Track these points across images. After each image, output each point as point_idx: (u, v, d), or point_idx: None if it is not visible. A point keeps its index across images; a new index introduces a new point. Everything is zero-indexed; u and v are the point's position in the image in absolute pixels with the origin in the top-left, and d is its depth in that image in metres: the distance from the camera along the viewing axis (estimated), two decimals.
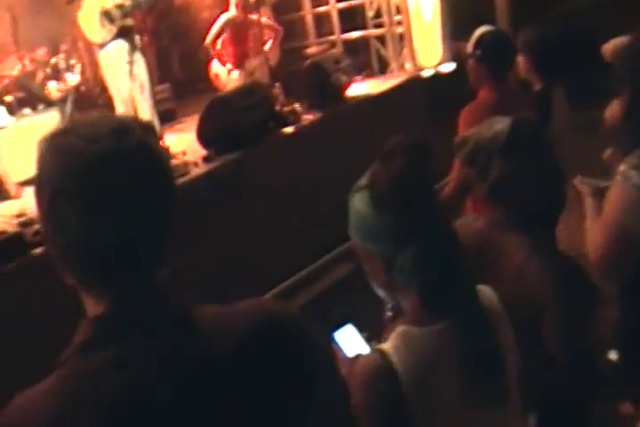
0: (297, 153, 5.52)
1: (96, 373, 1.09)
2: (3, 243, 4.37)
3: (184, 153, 5.76)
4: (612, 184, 2.08)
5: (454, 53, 6.97)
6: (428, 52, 7.38)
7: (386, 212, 1.54)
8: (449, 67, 7.10)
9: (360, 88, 6.84)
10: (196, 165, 5.32)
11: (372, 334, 1.90)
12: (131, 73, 6.45)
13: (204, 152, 5.52)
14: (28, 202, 5.88)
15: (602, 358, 2.29)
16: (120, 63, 6.41)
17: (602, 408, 2.22)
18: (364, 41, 8.63)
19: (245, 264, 4.78)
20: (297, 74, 6.63)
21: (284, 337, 1.18)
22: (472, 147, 2.06)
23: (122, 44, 6.42)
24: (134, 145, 1.13)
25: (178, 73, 9.71)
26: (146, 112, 6.25)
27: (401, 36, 7.85)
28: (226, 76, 7.57)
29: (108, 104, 8.12)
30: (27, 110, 7.46)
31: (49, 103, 7.62)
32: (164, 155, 1.23)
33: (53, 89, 7.92)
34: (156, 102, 6.66)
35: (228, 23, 7.72)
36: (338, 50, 7.96)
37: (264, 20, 7.60)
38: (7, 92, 7.75)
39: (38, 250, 4.35)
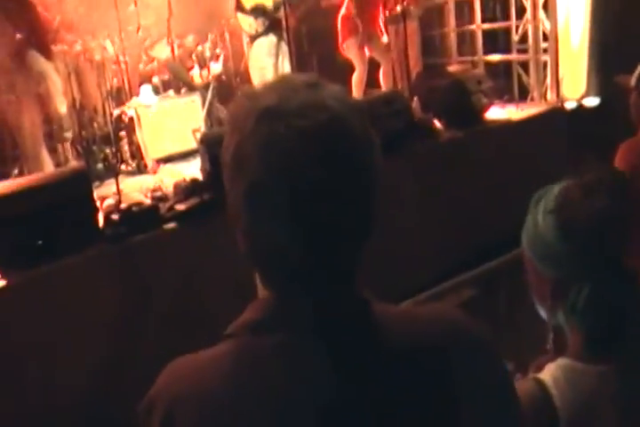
0: (431, 168, 5.55)
1: (265, 356, 1.05)
2: (139, 214, 4.54)
3: None
4: None
5: (614, 86, 6.84)
6: (573, 82, 7.28)
7: (573, 242, 1.54)
8: (593, 101, 6.97)
9: (499, 112, 6.79)
10: None
11: None
12: (275, 67, 6.61)
13: None
14: (163, 178, 6.14)
15: None
16: (267, 56, 6.58)
17: None
18: (506, 65, 8.57)
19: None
20: (437, 90, 6.61)
21: (469, 346, 1.14)
22: None
23: (271, 38, 6.59)
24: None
25: None
26: None
27: (545, 64, 7.76)
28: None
29: None
30: (170, 92, 7.75)
31: (192, 88, 7.89)
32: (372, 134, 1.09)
33: (197, 75, 8.18)
34: None
35: None
36: (480, 71, 7.91)
37: None
38: (154, 74, 8.05)
39: (171, 225, 4.51)
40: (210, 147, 4.95)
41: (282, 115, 1.01)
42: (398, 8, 8.11)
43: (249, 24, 6.59)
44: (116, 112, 7.33)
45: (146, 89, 7.62)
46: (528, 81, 8.10)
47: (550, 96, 7.40)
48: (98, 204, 4.68)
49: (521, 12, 8.29)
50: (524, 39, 8.31)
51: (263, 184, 1.01)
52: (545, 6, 7.80)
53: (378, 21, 8.14)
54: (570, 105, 7.03)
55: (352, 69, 7.98)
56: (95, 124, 7.45)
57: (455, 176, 5.67)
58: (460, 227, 5.57)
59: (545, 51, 7.79)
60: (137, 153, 7.12)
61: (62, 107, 6.49)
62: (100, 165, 6.81)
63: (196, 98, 7.65)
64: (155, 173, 6.79)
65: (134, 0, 7.88)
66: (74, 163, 6.77)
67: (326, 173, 1.00)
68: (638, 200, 1.66)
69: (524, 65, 8.23)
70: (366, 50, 8.03)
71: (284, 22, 6.36)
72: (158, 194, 5.17)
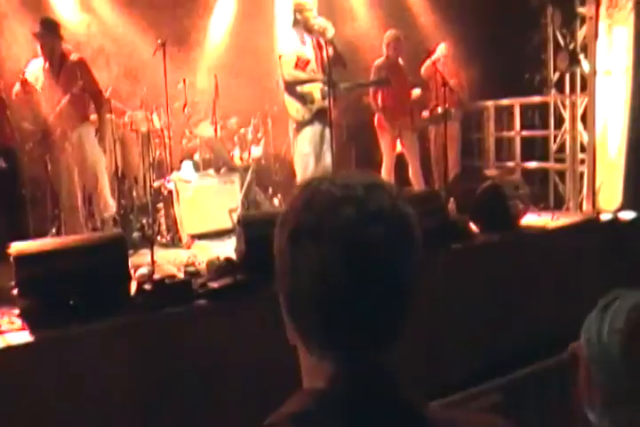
0: (463, 269, 5.53)
1: None
2: (172, 286, 4.54)
3: None
4: None
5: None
6: (609, 194, 7.32)
7: (637, 367, 1.52)
8: (629, 215, 6.98)
9: (534, 219, 6.82)
10: None
11: None
12: (318, 155, 6.71)
13: None
14: (196, 254, 6.17)
15: None
16: (311, 144, 6.70)
17: None
18: (542, 173, 8.67)
19: None
20: (474, 192, 6.65)
21: None
22: None
23: (317, 126, 6.71)
24: (387, 201, 1.05)
25: (352, 169, 9.98)
26: None
27: (582, 175, 7.83)
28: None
29: (284, 182, 8.50)
30: (210, 170, 7.87)
31: (231, 169, 8.00)
32: (416, 222, 1.10)
33: (237, 157, 8.33)
34: None
35: (381, 67, 8.05)
36: (517, 177, 8.00)
37: None
38: (196, 151, 8.21)
39: (202, 301, 4.50)
40: (247, 229, 4.99)
41: (327, 179, 1.09)
42: (439, 109, 8.31)
43: (296, 109, 6.71)
44: (155, 184, 7.45)
45: (187, 165, 7.75)
46: (564, 190, 8.17)
47: (586, 207, 7.44)
48: (131, 272, 4.68)
49: (559, 122, 8.45)
50: (561, 149, 8.46)
51: (305, 226, 1.05)
52: (583, 118, 7.94)
53: (411, 117, 8.31)
54: (605, 217, 7.04)
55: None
56: (134, 194, 7.57)
57: (487, 279, 5.65)
58: (489, 330, 5.51)
59: (582, 161, 7.88)
60: (172, 226, 7.20)
61: (106, 189, 6.59)
62: (135, 235, 6.86)
63: (235, 179, 7.77)
64: (188, 247, 6.84)
65: (183, 79, 8.15)
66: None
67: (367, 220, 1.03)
68: None
69: (561, 174, 8.34)
70: (398, 145, 8.20)
71: (328, 113, 6.51)
72: (191, 269, 5.19)
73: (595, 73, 7.41)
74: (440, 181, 8.31)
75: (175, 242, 7.07)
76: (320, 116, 6.68)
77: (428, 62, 8.41)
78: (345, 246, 1.01)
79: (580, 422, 1.67)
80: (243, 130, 8.76)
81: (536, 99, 8.81)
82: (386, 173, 8.10)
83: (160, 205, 7.43)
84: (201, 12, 9.81)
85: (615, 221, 6.98)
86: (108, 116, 7.28)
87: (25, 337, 3.83)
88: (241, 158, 8.34)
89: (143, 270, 4.89)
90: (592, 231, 6.75)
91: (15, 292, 3.94)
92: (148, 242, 5.83)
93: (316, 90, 6.70)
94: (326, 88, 6.56)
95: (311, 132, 6.71)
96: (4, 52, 7.19)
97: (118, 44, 8.75)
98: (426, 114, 8.76)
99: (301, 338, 1.09)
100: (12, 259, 3.89)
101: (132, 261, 5.16)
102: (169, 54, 6.47)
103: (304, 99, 6.69)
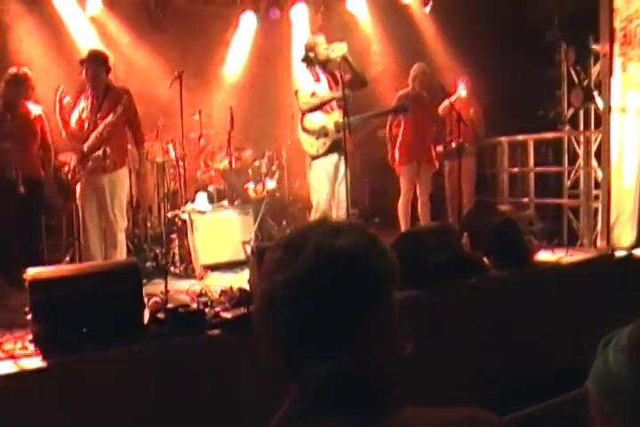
0: (475, 304, 5.49)
1: None
2: (185, 316, 4.52)
3: None
4: None
5: None
6: (623, 231, 7.28)
7: None
8: None
9: (547, 255, 6.79)
10: None
11: None
12: (333, 188, 6.73)
13: None
14: (209, 284, 6.16)
15: None
16: (325, 177, 6.71)
17: None
18: (556, 209, 8.65)
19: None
20: (488, 227, 6.63)
21: None
22: None
23: (331, 159, 6.74)
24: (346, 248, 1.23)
25: (365, 202, 10.04)
26: None
27: (596, 211, 7.80)
28: None
29: (298, 214, 8.52)
30: (225, 202, 7.89)
31: (245, 200, 8.03)
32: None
33: (251, 189, 8.35)
34: None
35: (404, 97, 8.07)
36: (531, 212, 7.98)
37: None
38: (210, 183, 8.25)
39: (215, 331, 4.48)
40: (261, 259, 4.97)
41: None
42: (453, 144, 8.35)
43: (310, 144, 6.76)
44: (170, 214, 7.48)
45: (201, 196, 7.79)
46: (578, 226, 8.15)
47: (600, 243, 7.40)
48: (145, 300, 4.67)
49: (573, 158, 8.45)
50: (575, 185, 8.46)
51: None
52: (597, 154, 7.95)
53: (431, 153, 8.35)
54: (620, 253, 7.00)
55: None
56: (148, 224, 7.59)
57: (500, 314, 5.60)
58: (501, 364, 5.46)
59: (596, 198, 7.86)
60: (186, 257, 7.22)
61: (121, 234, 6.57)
62: (148, 264, 6.87)
63: (249, 210, 7.81)
64: (201, 278, 6.85)
65: (199, 110, 8.23)
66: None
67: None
68: None
69: (575, 210, 8.33)
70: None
71: (343, 145, 6.55)
72: (205, 299, 5.19)
73: (609, 109, 7.42)
74: (454, 216, 8.32)
75: (188, 272, 7.08)
76: (334, 148, 6.71)
77: (446, 102, 8.44)
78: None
79: None
80: (257, 162, 8.80)
81: (550, 135, 8.83)
82: (402, 207, 8.10)
83: (174, 235, 7.45)
84: (218, 46, 9.97)
85: (630, 257, 6.94)
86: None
87: (37, 363, 3.81)
88: (255, 190, 8.38)
89: (156, 300, 4.89)
90: (606, 268, 6.70)
91: (29, 317, 3.93)
92: (162, 271, 5.83)
93: (329, 123, 6.74)
94: (340, 120, 6.61)
95: (326, 164, 6.74)
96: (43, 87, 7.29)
97: (135, 76, 8.86)
98: (440, 149, 8.79)
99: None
100: (26, 284, 3.89)
101: (145, 290, 5.14)
102: (185, 86, 6.51)
103: (318, 133, 6.73)
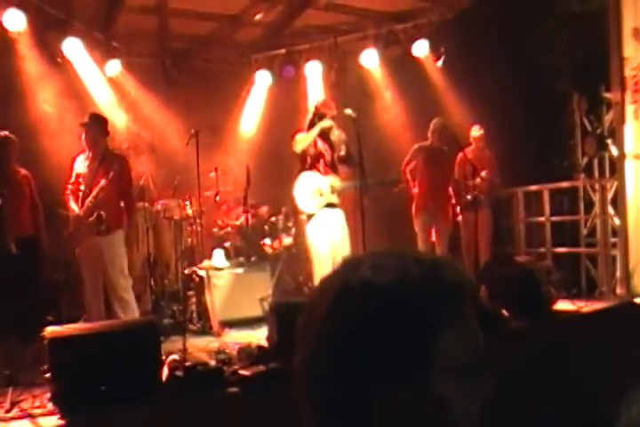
0: (495, 357, 5.43)
1: None
2: (203, 373, 4.51)
3: None
4: None
5: None
6: None
7: None
8: None
9: (566, 305, 6.74)
10: None
11: None
12: (332, 240, 6.78)
13: None
14: (227, 341, 6.15)
15: None
16: (321, 233, 6.77)
17: None
18: (573, 258, 8.60)
19: None
20: (505, 279, 6.59)
21: None
22: None
23: (326, 216, 6.80)
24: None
25: None
26: None
27: (614, 259, 7.76)
28: None
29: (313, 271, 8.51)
30: (241, 259, 7.91)
31: (262, 257, 8.04)
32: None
33: (268, 245, 8.37)
34: None
35: (420, 150, 8.09)
36: (548, 262, 7.94)
37: None
38: (227, 239, 8.28)
39: (234, 389, 4.45)
40: (278, 316, 4.99)
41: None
42: (469, 196, 8.35)
43: (304, 203, 6.88)
44: (187, 271, 7.50)
45: (218, 253, 7.82)
46: (597, 275, 8.09)
47: (619, 291, 7.34)
48: (163, 358, 4.67)
49: (589, 206, 8.44)
50: (592, 233, 8.41)
51: None
52: (613, 202, 7.95)
53: (447, 210, 8.36)
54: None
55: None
56: (166, 281, 7.61)
57: (520, 365, 5.53)
58: (519, 419, 5.37)
59: (614, 245, 7.83)
60: (204, 314, 7.21)
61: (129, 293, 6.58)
62: (166, 321, 6.87)
63: (265, 267, 7.82)
64: (219, 335, 6.81)
65: (215, 167, 8.32)
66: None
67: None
68: None
69: (593, 258, 8.27)
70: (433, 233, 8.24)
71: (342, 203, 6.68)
72: (223, 356, 5.17)
73: (623, 157, 7.46)
74: (471, 268, 8.28)
75: (206, 329, 7.06)
76: (330, 206, 6.82)
77: (460, 155, 8.48)
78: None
79: None
80: (273, 218, 8.84)
81: (565, 184, 8.82)
82: None
83: (191, 292, 7.46)
84: (233, 104, 10.13)
85: None
86: (141, 204, 7.41)
87: (56, 421, 3.80)
88: (272, 247, 8.41)
89: (174, 357, 4.88)
90: (628, 315, 6.63)
91: (47, 375, 3.93)
92: (180, 328, 5.82)
93: (324, 184, 6.84)
94: (335, 185, 6.79)
95: (321, 222, 6.81)
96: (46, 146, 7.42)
97: (153, 134, 9.00)
98: (455, 201, 8.79)
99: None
100: (45, 342, 3.90)
101: (163, 347, 5.14)
102: (201, 144, 6.61)
103: (313, 194, 6.82)
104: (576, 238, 8.68)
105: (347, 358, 1.02)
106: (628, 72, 7.47)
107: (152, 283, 7.46)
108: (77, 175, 6.44)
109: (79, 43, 7.87)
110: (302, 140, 6.86)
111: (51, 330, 3.99)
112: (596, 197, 8.29)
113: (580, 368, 5.82)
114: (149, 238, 7.38)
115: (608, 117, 8.16)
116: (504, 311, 6.21)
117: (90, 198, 6.27)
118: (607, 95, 8.03)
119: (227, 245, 8.23)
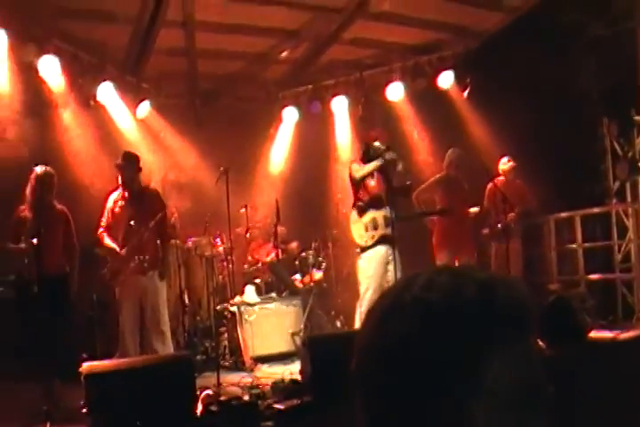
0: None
1: None
2: (238, 408, 4.52)
3: None
4: None
5: None
6: None
7: None
8: None
9: (602, 333, 6.64)
10: None
11: None
12: (382, 276, 6.79)
13: None
14: (260, 376, 6.14)
15: None
16: (374, 266, 6.79)
17: None
18: (607, 284, 8.48)
19: None
20: (539, 307, 6.53)
21: None
22: None
23: (379, 249, 6.83)
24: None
25: None
26: None
27: None
28: None
29: (346, 304, 8.50)
30: (273, 294, 7.93)
31: (293, 292, 8.06)
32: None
33: (299, 280, 8.39)
34: None
35: (439, 182, 8.10)
36: (582, 289, 7.86)
37: None
38: (258, 275, 8.32)
39: (268, 423, 4.44)
40: (312, 350, 4.99)
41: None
42: (499, 225, 8.30)
43: (359, 235, 6.92)
44: (219, 307, 7.54)
45: (249, 289, 7.84)
46: (633, 300, 7.97)
47: None
48: (197, 393, 4.68)
49: (623, 231, 8.35)
50: (626, 258, 8.30)
51: None
52: None
53: (469, 242, 8.30)
54: None
55: None
56: (198, 318, 7.64)
57: (556, 395, 5.46)
58: None
59: None
60: (236, 349, 7.21)
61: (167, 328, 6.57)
62: (199, 357, 6.88)
63: (297, 302, 7.83)
64: (252, 370, 6.81)
65: (245, 204, 8.38)
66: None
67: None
68: None
69: (629, 284, 8.15)
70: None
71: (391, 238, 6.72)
72: (257, 391, 5.18)
73: None
74: None
75: (238, 365, 7.06)
76: (383, 240, 6.84)
77: (490, 185, 8.47)
78: None
79: None
80: (304, 253, 8.86)
81: (596, 210, 8.73)
82: None
83: (223, 328, 7.47)
84: (262, 140, 10.23)
85: None
86: (172, 241, 7.47)
87: None
88: (302, 282, 8.42)
89: (208, 392, 4.89)
90: None
91: (84, 411, 3.96)
92: (212, 364, 5.83)
93: (379, 217, 6.88)
94: (389, 215, 6.83)
95: (374, 255, 6.84)
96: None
97: (182, 172, 9.11)
98: (486, 231, 8.73)
99: None
100: (82, 378, 3.93)
101: (196, 383, 5.17)
102: (231, 181, 6.68)
103: (368, 226, 6.86)
104: (610, 264, 8.56)
105: (392, 371, 1.01)
106: None
107: (184, 319, 7.47)
108: (112, 213, 6.50)
109: (111, 86, 8.04)
110: (361, 170, 6.93)
111: (87, 366, 4.03)
112: (630, 222, 8.20)
113: (618, 397, 5.72)
114: (181, 275, 7.42)
115: (639, 141, 8.11)
116: (538, 341, 6.16)
117: (134, 240, 6.32)
118: (637, 118, 8.00)
119: (257, 280, 8.25)
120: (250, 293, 7.81)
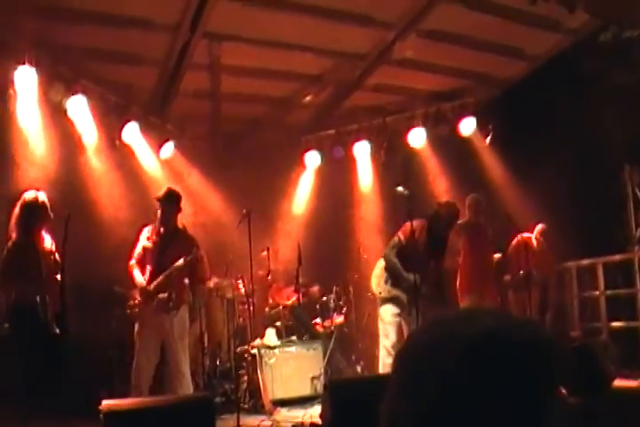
0: None
1: None
2: None
3: None
4: None
5: None
6: None
7: None
8: None
9: (626, 382, 6.56)
10: None
11: None
12: (400, 326, 6.77)
13: None
14: (280, 420, 6.09)
15: None
16: (392, 316, 6.79)
17: None
18: (631, 332, 8.38)
19: None
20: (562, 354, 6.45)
21: None
22: None
23: (399, 300, 6.84)
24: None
25: None
26: None
27: None
28: None
29: (367, 349, 8.46)
30: (293, 337, 7.91)
31: (314, 336, 8.04)
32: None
33: (319, 324, 8.37)
34: None
35: (463, 226, 8.07)
36: (604, 337, 7.78)
37: None
38: (279, 318, 8.30)
39: None
40: (333, 394, 4.96)
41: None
42: (521, 272, 8.27)
43: (377, 284, 6.95)
44: (239, 350, 7.51)
45: (270, 332, 7.83)
46: None
47: None
48: None
49: None
50: None
51: None
52: None
53: (493, 285, 8.26)
54: None
55: None
56: (217, 360, 7.62)
57: None
58: None
59: None
60: (255, 392, 7.16)
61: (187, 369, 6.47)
62: (218, 399, 6.84)
63: (317, 346, 7.80)
64: (271, 414, 6.75)
65: (267, 247, 8.40)
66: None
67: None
68: None
69: None
70: None
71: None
72: None
73: None
74: None
75: (257, 408, 7.01)
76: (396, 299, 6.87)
77: (518, 238, 8.49)
78: None
79: None
80: (325, 297, 8.86)
81: (618, 257, 8.69)
82: None
83: (243, 370, 7.44)
84: (284, 184, 10.29)
85: None
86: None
87: None
88: (323, 326, 8.41)
89: None
90: None
91: None
92: (231, 407, 5.79)
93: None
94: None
95: (392, 306, 6.83)
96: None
97: (204, 213, 9.16)
98: (508, 277, 8.69)
99: None
100: (101, 416, 3.92)
101: (216, 425, 5.14)
102: (253, 223, 6.70)
103: (388, 279, 6.88)
104: (633, 312, 8.49)
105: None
106: None
107: (204, 361, 7.45)
108: (144, 248, 6.42)
109: (136, 126, 8.15)
110: (393, 264, 6.91)
111: (107, 404, 4.01)
112: None
113: None
114: (202, 317, 7.42)
115: None
116: (561, 388, 6.08)
117: (164, 275, 6.27)
118: None
119: (278, 324, 8.23)
120: (270, 336, 7.79)
